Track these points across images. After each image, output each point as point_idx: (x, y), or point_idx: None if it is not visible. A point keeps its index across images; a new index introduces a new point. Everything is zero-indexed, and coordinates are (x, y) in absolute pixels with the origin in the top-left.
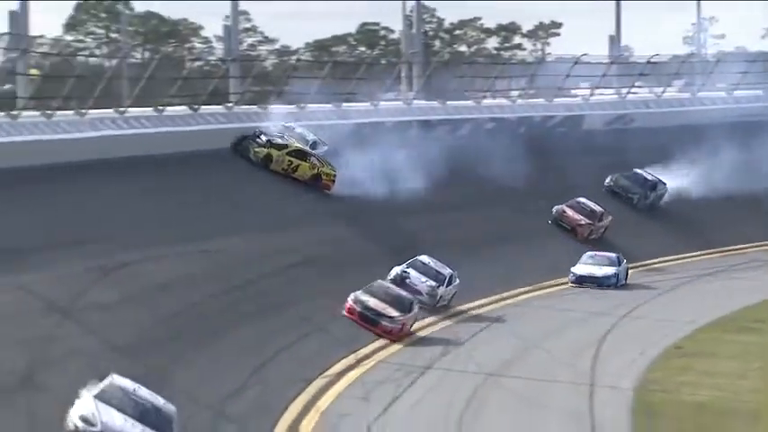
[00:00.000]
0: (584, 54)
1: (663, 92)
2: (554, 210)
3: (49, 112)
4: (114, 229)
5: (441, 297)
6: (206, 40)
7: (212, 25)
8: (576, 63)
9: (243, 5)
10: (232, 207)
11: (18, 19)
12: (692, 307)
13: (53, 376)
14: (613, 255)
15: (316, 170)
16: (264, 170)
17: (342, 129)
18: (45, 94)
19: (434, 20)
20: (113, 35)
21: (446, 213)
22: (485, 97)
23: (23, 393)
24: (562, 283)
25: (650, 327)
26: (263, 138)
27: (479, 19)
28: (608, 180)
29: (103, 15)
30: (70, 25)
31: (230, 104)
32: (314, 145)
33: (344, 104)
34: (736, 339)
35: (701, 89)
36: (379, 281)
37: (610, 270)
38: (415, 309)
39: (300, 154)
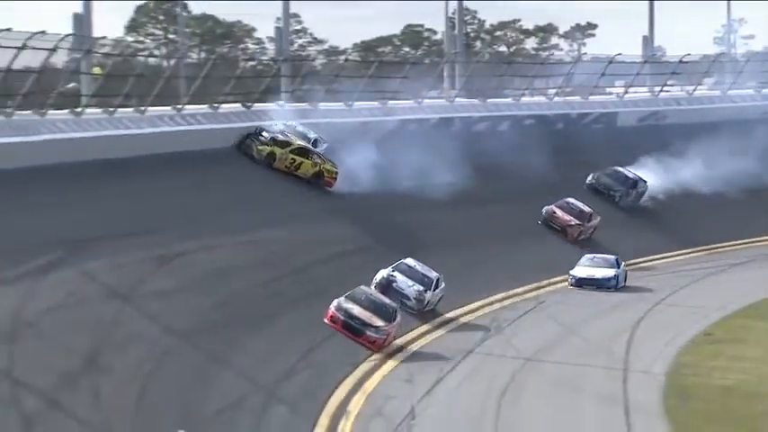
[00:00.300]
0: (619, 54)
1: (694, 90)
2: (543, 210)
3: (110, 109)
4: (170, 220)
5: (428, 302)
6: (259, 41)
7: (265, 27)
8: (610, 62)
9: (294, 8)
10: (279, 199)
11: (82, 21)
12: (720, 295)
13: (115, 358)
14: (612, 257)
15: (318, 168)
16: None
17: (387, 125)
18: (107, 93)
19: (476, 21)
20: (171, 36)
21: (485, 206)
22: (523, 95)
23: (88, 374)
24: None
25: (682, 314)
26: (266, 136)
27: (518, 20)
28: (590, 178)
29: (162, 18)
30: (131, 27)
31: (281, 102)
32: (315, 143)
33: (390, 102)
34: (763, 327)
35: (731, 87)
36: (362, 287)
37: (610, 272)
38: (399, 317)
39: (303, 152)
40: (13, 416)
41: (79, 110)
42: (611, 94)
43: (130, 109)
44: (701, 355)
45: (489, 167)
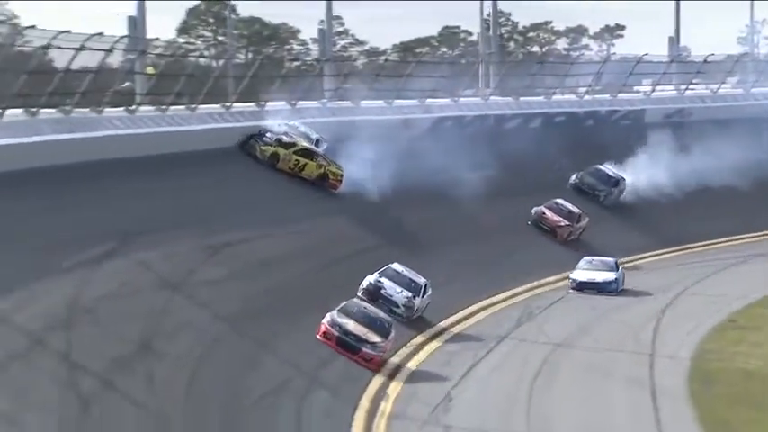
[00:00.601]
0: (646, 54)
1: (718, 88)
2: (533, 211)
3: (163, 107)
4: (217, 213)
5: (417, 309)
6: (303, 43)
7: (309, 29)
8: (638, 62)
9: (336, 10)
10: (319, 192)
11: (136, 23)
12: (742, 285)
13: (167, 344)
14: (611, 259)
15: (323, 170)
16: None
17: (424, 122)
18: (160, 91)
19: (509, 23)
20: (220, 38)
21: (514, 198)
22: (555, 93)
23: (141, 359)
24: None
25: (704, 303)
26: (271, 136)
27: (550, 22)
28: (573, 178)
29: (212, 20)
30: (182, 29)
31: (324, 100)
32: (317, 143)
33: (428, 100)
34: None
35: (754, 86)
36: (354, 300)
37: (610, 275)
38: (393, 332)
39: (307, 153)
40: (71, 397)
41: (133, 108)
42: (638, 92)
43: (182, 107)
44: (724, 342)
45: (519, 162)
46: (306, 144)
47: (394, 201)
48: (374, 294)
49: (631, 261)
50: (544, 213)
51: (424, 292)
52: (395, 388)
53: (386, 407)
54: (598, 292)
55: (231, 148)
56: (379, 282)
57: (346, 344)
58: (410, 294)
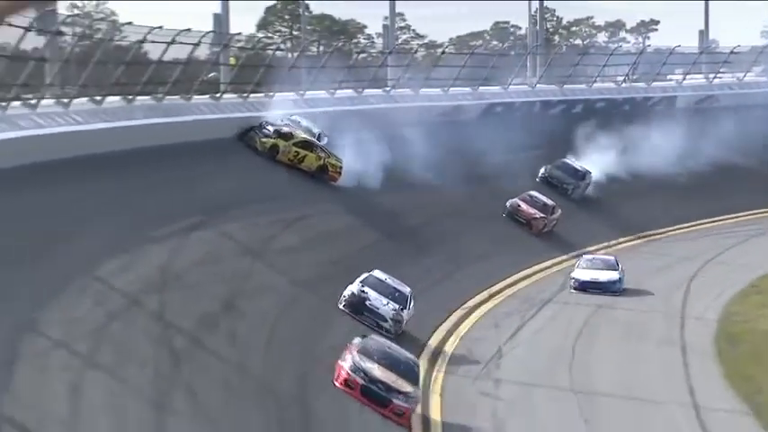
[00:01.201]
0: (678, 46)
1: (743, 77)
2: (508, 204)
3: (244, 94)
4: (289, 190)
5: (405, 322)
6: (369, 37)
7: (374, 25)
8: (671, 53)
9: (399, 8)
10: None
11: (221, 20)
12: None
13: (249, 304)
14: (611, 258)
15: (322, 161)
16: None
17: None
18: (241, 80)
19: (554, 18)
20: (295, 33)
21: None
22: (595, 81)
23: (226, 318)
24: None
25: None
26: (270, 128)
27: (591, 17)
28: (542, 171)
29: (287, 17)
30: (261, 25)
31: (388, 89)
32: (319, 137)
33: (480, 88)
34: None
35: None
36: (374, 336)
37: (614, 275)
38: (421, 374)
39: (307, 145)
40: (164, 352)
41: (218, 95)
42: (671, 80)
43: (261, 94)
44: (747, 305)
45: (563, 141)
46: (305, 136)
47: (448, 179)
48: (358, 307)
49: (665, 232)
50: (519, 206)
51: (410, 303)
52: (451, 345)
53: (442, 364)
54: (602, 293)
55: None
56: (363, 292)
57: (374, 395)
58: (397, 307)
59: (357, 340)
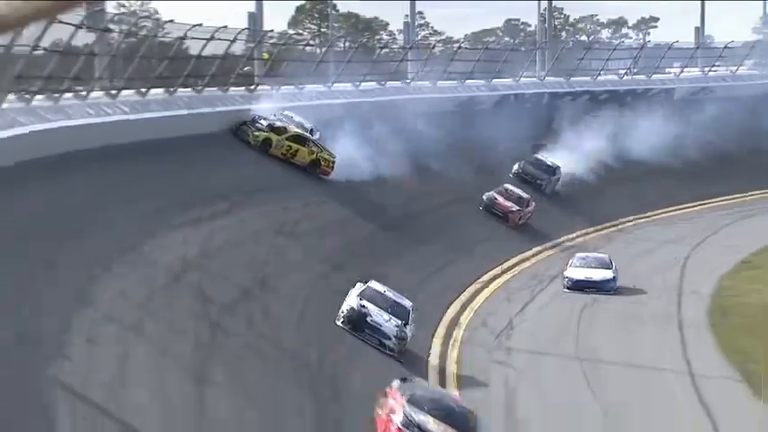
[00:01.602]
0: (676, 41)
1: (736, 70)
2: (484, 197)
3: (276, 86)
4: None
5: (407, 339)
6: (391, 33)
7: (396, 22)
8: (669, 48)
9: (419, 7)
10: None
11: (255, 18)
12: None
13: (279, 281)
14: (604, 256)
15: (315, 155)
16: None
17: (490, 99)
18: (274, 74)
19: (562, 16)
20: (323, 30)
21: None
22: (599, 74)
23: (258, 294)
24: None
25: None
26: (264, 122)
27: (596, 15)
28: (516, 167)
29: (316, 15)
30: (292, 22)
31: (408, 81)
32: (311, 132)
33: (493, 80)
34: None
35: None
36: (418, 378)
37: (608, 273)
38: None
39: (299, 139)
40: (203, 325)
41: (252, 87)
42: (669, 73)
43: (292, 86)
44: (739, 280)
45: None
46: (297, 130)
47: (462, 167)
48: (358, 324)
49: (665, 212)
50: (496, 199)
51: (411, 318)
52: (466, 318)
53: (458, 333)
54: (597, 292)
55: (332, 118)
56: (363, 307)
57: None
58: (400, 322)
59: (397, 383)
